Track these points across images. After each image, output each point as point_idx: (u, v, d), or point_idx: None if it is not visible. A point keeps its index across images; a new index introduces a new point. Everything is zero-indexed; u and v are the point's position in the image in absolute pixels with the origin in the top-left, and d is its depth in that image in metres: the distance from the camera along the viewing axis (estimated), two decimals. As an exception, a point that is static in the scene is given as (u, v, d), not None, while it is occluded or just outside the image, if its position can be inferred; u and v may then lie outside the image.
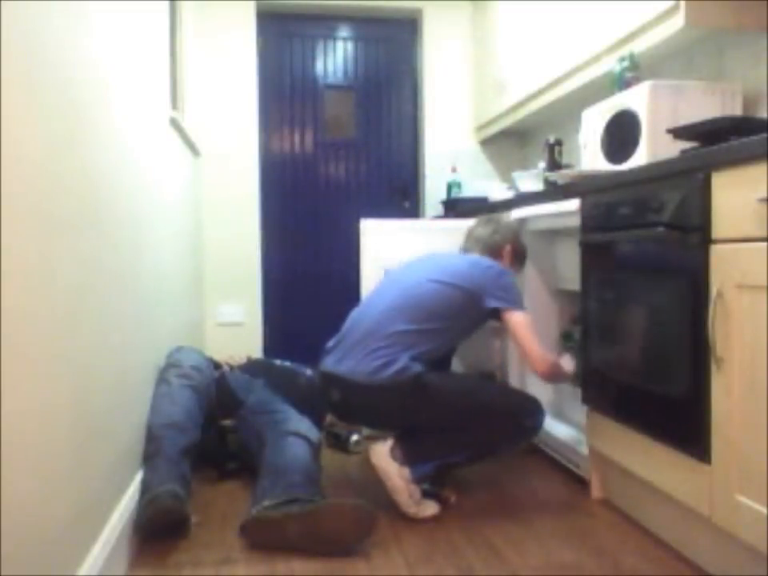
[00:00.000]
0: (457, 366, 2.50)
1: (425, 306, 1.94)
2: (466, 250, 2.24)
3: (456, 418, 1.89)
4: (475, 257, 2.13)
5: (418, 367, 1.85)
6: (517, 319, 1.96)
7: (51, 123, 1.16)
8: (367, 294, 2.14)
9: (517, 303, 2.00)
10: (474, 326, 2.05)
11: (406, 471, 1.85)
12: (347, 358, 1.92)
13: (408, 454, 1.87)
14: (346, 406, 1.99)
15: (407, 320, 1.91)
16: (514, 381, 2.53)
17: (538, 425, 1.97)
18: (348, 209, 3.79)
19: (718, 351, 1.39)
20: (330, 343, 2.04)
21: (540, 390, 2.49)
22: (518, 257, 2.25)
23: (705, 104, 1.99)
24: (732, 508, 1.37)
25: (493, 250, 2.18)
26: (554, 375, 1.99)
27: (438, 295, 1.96)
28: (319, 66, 3.87)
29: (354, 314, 2.08)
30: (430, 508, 1.88)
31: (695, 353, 1.46)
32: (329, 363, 1.98)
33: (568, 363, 2.04)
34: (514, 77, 3.24)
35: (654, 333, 1.62)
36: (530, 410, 1.95)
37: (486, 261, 2.09)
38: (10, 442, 0.95)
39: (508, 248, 2.20)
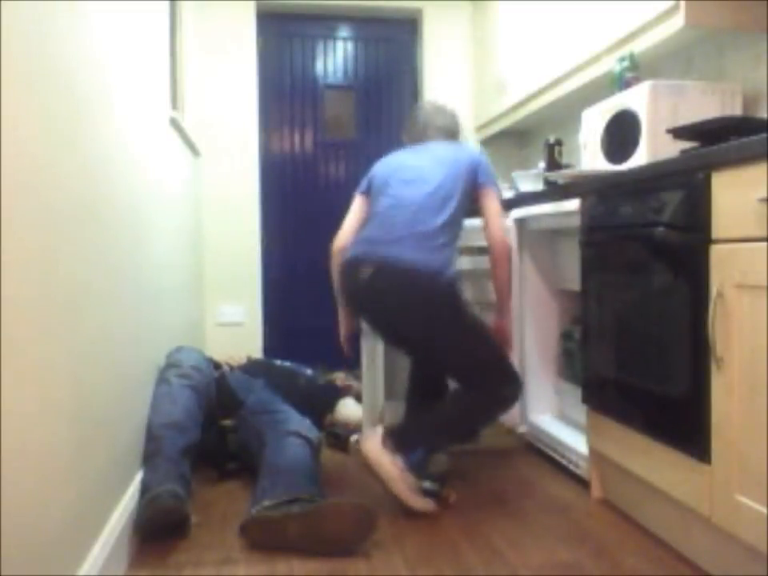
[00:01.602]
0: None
1: (446, 191, 2.03)
2: (426, 137, 2.28)
3: (458, 356, 1.95)
4: (456, 146, 2.23)
5: (453, 273, 1.95)
6: (494, 199, 2.13)
7: (52, 122, 1.16)
8: (386, 184, 2.14)
9: (497, 184, 2.19)
10: (467, 207, 2.14)
11: (399, 459, 1.86)
12: (391, 238, 1.94)
13: (396, 443, 1.88)
14: (375, 288, 1.93)
15: (440, 212, 1.99)
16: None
17: (514, 395, 1.99)
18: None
19: (718, 351, 1.39)
20: (360, 236, 2.06)
21: (540, 390, 2.50)
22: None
23: (705, 104, 1.99)
24: (732, 508, 1.37)
25: (454, 136, 2.32)
26: (507, 255, 2.11)
27: (450, 179, 2.06)
28: (319, 66, 3.87)
29: (387, 208, 2.05)
30: (428, 504, 1.89)
31: (695, 353, 1.46)
32: (360, 250, 1.98)
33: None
34: (513, 77, 3.24)
35: (653, 333, 1.62)
36: (512, 379, 1.99)
37: (468, 147, 2.30)
38: (10, 442, 0.95)
39: (460, 130, 2.38)
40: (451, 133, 2.32)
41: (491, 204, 2.12)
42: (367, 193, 2.22)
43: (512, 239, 2.46)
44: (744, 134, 1.42)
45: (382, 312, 1.97)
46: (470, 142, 2.35)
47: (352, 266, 1.98)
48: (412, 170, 2.11)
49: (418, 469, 1.95)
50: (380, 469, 1.85)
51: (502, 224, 2.13)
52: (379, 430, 1.90)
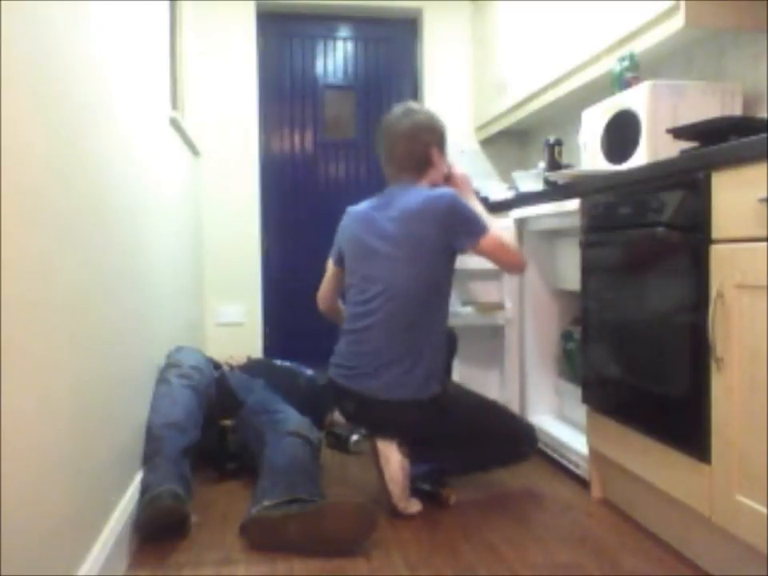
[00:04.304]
0: (458, 366, 2.50)
1: (414, 292, 1.88)
2: (395, 177, 2.02)
3: (464, 437, 1.95)
4: (413, 201, 1.90)
5: (435, 386, 1.88)
6: (488, 243, 1.90)
7: (53, 122, 1.16)
8: (355, 273, 1.99)
9: (481, 228, 1.90)
10: (452, 267, 1.98)
11: (407, 464, 1.87)
12: (361, 372, 1.90)
13: (410, 452, 1.89)
14: (362, 418, 2.02)
15: (408, 321, 1.88)
16: (512, 379, 2.53)
17: (531, 451, 2.07)
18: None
19: (718, 351, 1.39)
20: (338, 351, 2.00)
21: (540, 390, 2.50)
22: (443, 144, 2.05)
23: (705, 104, 1.98)
24: (732, 508, 1.37)
25: (421, 165, 1.99)
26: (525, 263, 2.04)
27: (421, 278, 1.88)
28: (319, 65, 3.87)
29: (359, 325, 1.94)
30: (416, 505, 1.90)
31: (695, 353, 1.46)
32: (340, 375, 1.95)
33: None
34: (514, 77, 3.24)
35: (653, 333, 1.62)
36: (527, 438, 2.05)
37: (429, 200, 1.89)
38: (10, 442, 0.95)
39: (434, 150, 2.01)
40: (416, 165, 1.98)
41: (491, 253, 1.91)
42: (339, 265, 2.10)
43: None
44: (744, 133, 1.41)
45: (377, 429, 1.95)
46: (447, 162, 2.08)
47: (336, 393, 1.99)
48: (377, 265, 1.91)
49: (419, 478, 1.96)
50: (386, 465, 1.86)
51: (517, 262, 1.97)
52: None
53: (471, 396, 2.06)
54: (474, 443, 1.96)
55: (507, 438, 2.01)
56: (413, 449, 1.91)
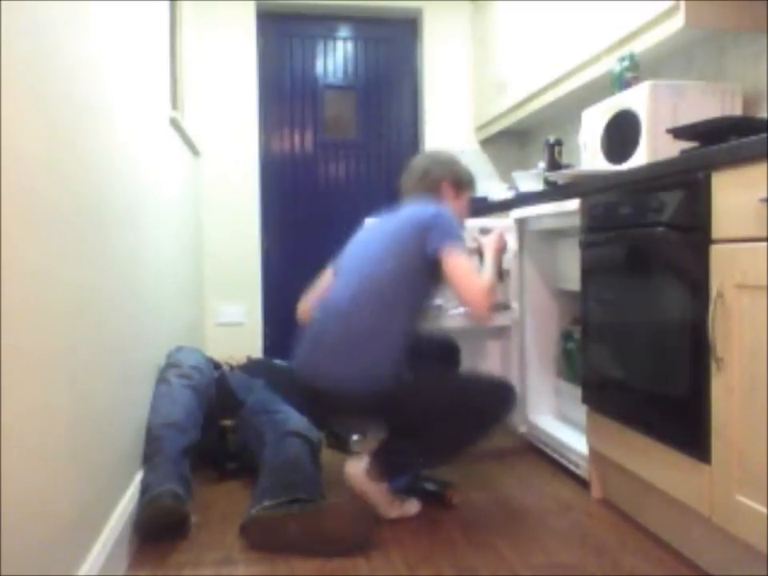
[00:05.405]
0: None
1: (385, 288, 1.82)
2: (406, 192, 2.10)
3: (431, 420, 1.79)
4: (411, 210, 1.94)
5: (391, 378, 1.77)
6: (452, 260, 1.79)
7: (53, 122, 1.16)
8: (331, 279, 2.06)
9: (455, 240, 1.83)
10: (430, 280, 1.88)
11: (384, 487, 1.83)
12: (317, 359, 1.89)
13: (384, 470, 1.82)
14: (320, 407, 1.99)
15: (372, 313, 1.81)
16: (512, 379, 2.53)
17: (509, 410, 1.85)
18: (348, 209, 3.79)
19: (718, 351, 1.39)
20: (303, 339, 2.00)
21: (540, 390, 2.50)
22: (460, 187, 2.09)
23: (705, 104, 1.99)
24: (732, 508, 1.37)
25: (431, 190, 2.05)
26: (491, 307, 1.82)
27: (393, 273, 1.83)
28: (319, 65, 3.87)
29: (322, 305, 1.99)
30: (413, 507, 1.88)
31: (695, 353, 1.46)
32: (300, 363, 1.96)
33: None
34: (513, 77, 3.24)
35: (653, 333, 1.62)
36: (502, 398, 1.84)
37: (421, 208, 1.92)
38: (10, 442, 0.95)
39: (445, 183, 2.05)
40: (426, 187, 2.04)
41: (454, 272, 1.79)
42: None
43: (512, 241, 2.45)
44: (744, 133, 1.42)
45: (334, 417, 1.93)
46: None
47: (300, 380, 1.95)
48: (347, 260, 1.97)
49: (409, 484, 1.95)
50: (365, 495, 1.82)
51: (477, 296, 1.76)
52: (364, 461, 1.84)
53: (431, 379, 1.91)
54: (447, 422, 1.78)
55: (480, 407, 1.81)
56: (387, 463, 1.83)
